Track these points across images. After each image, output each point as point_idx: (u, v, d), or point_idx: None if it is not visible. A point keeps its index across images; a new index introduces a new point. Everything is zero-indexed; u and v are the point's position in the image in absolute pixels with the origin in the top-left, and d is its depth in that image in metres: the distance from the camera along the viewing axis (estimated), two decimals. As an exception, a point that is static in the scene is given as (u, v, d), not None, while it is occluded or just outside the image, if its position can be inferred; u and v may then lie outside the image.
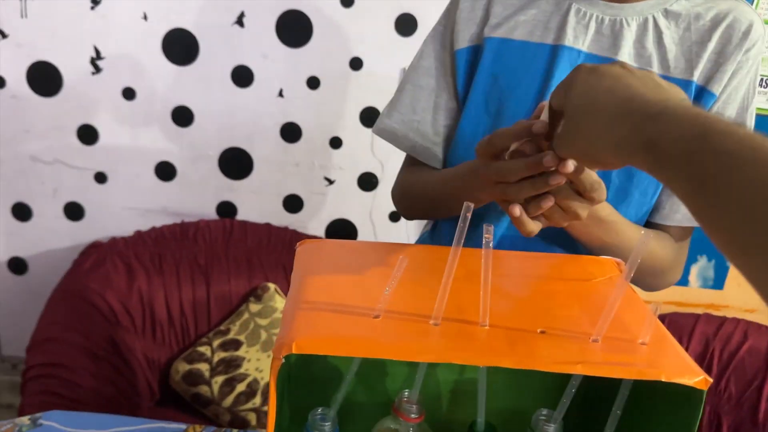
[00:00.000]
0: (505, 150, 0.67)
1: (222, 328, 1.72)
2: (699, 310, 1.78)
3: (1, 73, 1.93)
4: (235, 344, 1.69)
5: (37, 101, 1.96)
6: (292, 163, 2.04)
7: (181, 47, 1.92)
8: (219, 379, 1.63)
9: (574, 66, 0.81)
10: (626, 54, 0.82)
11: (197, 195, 2.06)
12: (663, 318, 1.71)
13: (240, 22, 1.91)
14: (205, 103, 1.99)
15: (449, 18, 0.91)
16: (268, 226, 1.99)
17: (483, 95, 0.86)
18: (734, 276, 1.82)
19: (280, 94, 1.98)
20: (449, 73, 0.90)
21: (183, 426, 0.97)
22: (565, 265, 0.76)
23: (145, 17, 1.89)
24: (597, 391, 0.71)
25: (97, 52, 1.92)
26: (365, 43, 1.93)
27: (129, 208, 2.06)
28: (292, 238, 1.95)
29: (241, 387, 1.63)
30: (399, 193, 0.99)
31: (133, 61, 1.94)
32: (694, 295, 1.84)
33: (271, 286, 1.79)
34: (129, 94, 1.96)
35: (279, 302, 1.77)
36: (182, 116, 1.99)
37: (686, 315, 1.71)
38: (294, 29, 1.92)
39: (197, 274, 1.78)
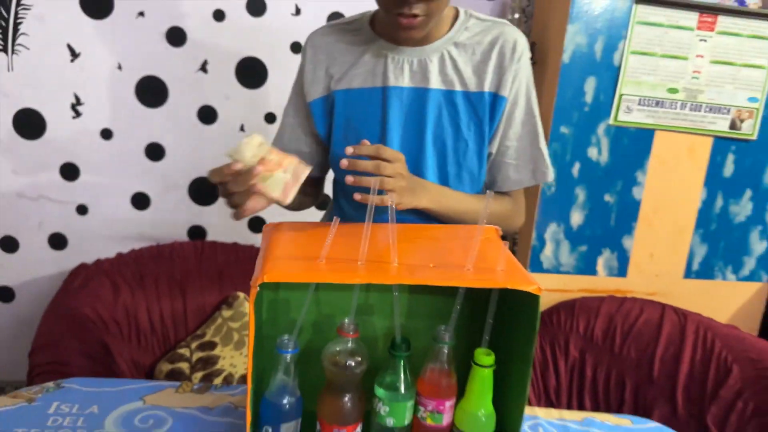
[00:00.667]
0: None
1: (198, 332, 1.97)
2: (607, 295, 2.10)
3: (-10, 120, 2.17)
4: (211, 345, 1.93)
5: (22, 144, 2.19)
6: (254, 189, 2.32)
7: (152, 92, 2.20)
8: (198, 375, 1.86)
9: (400, 99, 1.12)
10: (435, 81, 1.12)
11: (170, 221, 2.31)
12: (574, 301, 2.02)
13: (204, 68, 2.20)
14: (175, 139, 2.26)
15: (299, 78, 1.21)
16: (235, 245, 2.25)
17: (342, 132, 1.16)
18: (635, 264, 2.15)
19: (241, 129, 2.27)
20: (305, 116, 1.21)
21: (177, 383, 1.22)
22: (457, 230, 1.06)
23: (120, 67, 2.17)
24: (478, 312, 0.99)
25: (77, 98, 2.18)
26: (314, 82, 2.24)
27: (109, 236, 2.29)
28: (257, 254, 2.20)
29: (217, 381, 1.87)
30: None
31: (109, 106, 2.20)
32: (602, 283, 2.16)
33: (241, 294, 2.04)
34: (106, 134, 2.22)
35: (248, 308, 2.02)
36: (155, 152, 2.26)
37: (593, 298, 2.03)
38: (251, 73, 2.22)
39: (174, 288, 2.02)
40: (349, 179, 0.98)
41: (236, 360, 1.91)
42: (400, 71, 1.13)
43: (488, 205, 0.90)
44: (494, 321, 0.94)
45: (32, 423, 1.07)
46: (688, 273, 2.18)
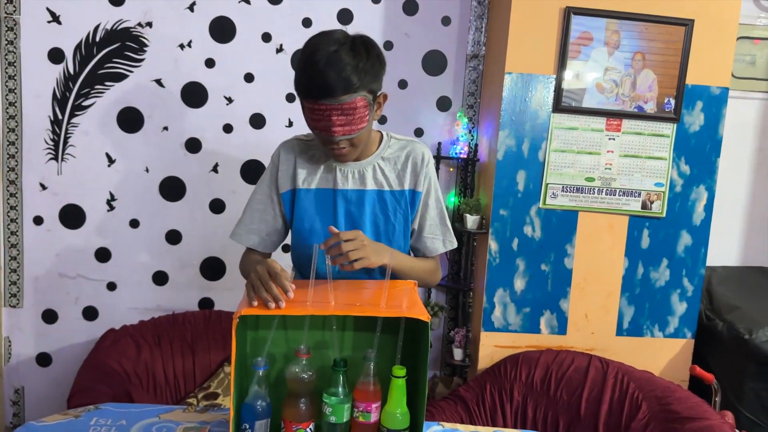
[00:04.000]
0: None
1: (205, 385, 2.36)
2: (550, 350, 2.47)
3: (41, 213, 2.67)
4: (215, 395, 2.32)
5: (65, 232, 2.69)
6: (254, 266, 2.77)
7: (173, 189, 2.71)
8: (203, 420, 2.24)
9: (345, 198, 1.56)
10: (370, 185, 1.56)
11: (184, 294, 2.76)
12: (519, 354, 2.41)
13: (215, 169, 2.72)
14: (190, 227, 2.74)
15: (273, 173, 1.60)
16: (237, 313, 2.67)
17: (301, 218, 1.58)
18: (573, 323, 2.53)
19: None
20: (277, 202, 1.61)
21: (185, 406, 1.62)
22: (380, 283, 1.50)
23: (147, 170, 2.69)
24: (394, 340, 1.40)
25: (112, 195, 2.69)
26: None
27: (132, 308, 2.73)
28: (255, 321, 2.63)
29: (219, 424, 2.24)
30: (240, 270, 1.69)
31: (138, 201, 2.71)
32: (546, 341, 2.54)
33: (240, 354, 2.45)
34: (134, 223, 2.71)
35: (246, 365, 2.42)
36: (173, 237, 2.74)
37: (534, 351, 2.42)
38: (253, 172, 2.73)
39: (186, 348, 2.44)
40: (328, 262, 1.38)
41: (235, 407, 2.29)
42: (345, 179, 1.58)
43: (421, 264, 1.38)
44: (404, 345, 1.36)
45: (78, 430, 1.47)
46: (620, 331, 2.56)
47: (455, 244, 1.66)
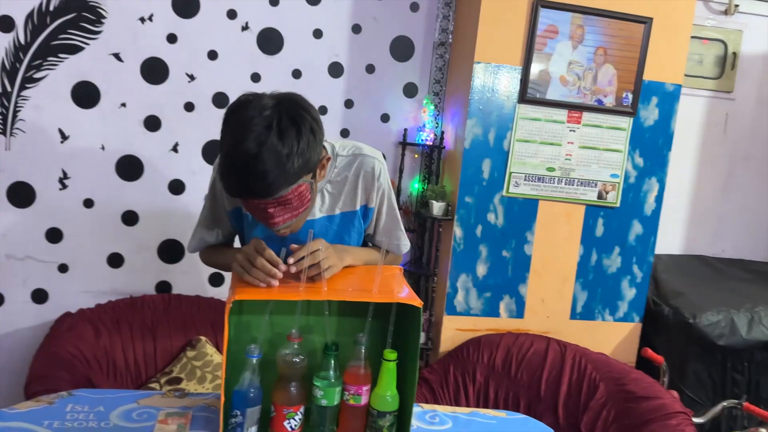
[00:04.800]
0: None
1: (167, 370, 2.31)
2: (509, 334, 2.56)
3: (-14, 191, 2.52)
4: (178, 380, 2.28)
5: (13, 211, 2.55)
6: (215, 249, 2.72)
7: (130, 168, 2.61)
8: (167, 405, 2.20)
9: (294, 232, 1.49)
10: (318, 213, 1.50)
11: (140, 277, 2.68)
12: (480, 338, 2.48)
13: (175, 149, 2.64)
14: (148, 207, 2.66)
15: (217, 196, 1.53)
16: (197, 297, 2.62)
17: (251, 227, 1.53)
18: (530, 307, 2.63)
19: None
20: (224, 216, 1.56)
21: (162, 392, 1.59)
22: (370, 269, 1.51)
23: (103, 147, 2.58)
24: (385, 325, 1.43)
25: (65, 173, 2.57)
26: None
27: (86, 291, 2.63)
28: (216, 305, 2.59)
29: (183, 409, 2.21)
30: (203, 260, 1.67)
31: (92, 179, 2.59)
32: (504, 324, 2.63)
33: (203, 338, 2.41)
34: (88, 203, 2.60)
35: (209, 349, 2.39)
36: (130, 218, 2.65)
37: (495, 334, 2.50)
38: (215, 153, 2.67)
39: (146, 332, 2.38)
40: (293, 269, 1.33)
41: (199, 391, 2.26)
42: None
43: (381, 257, 1.37)
44: (395, 329, 1.38)
45: (54, 417, 1.42)
46: (574, 315, 2.67)
47: (408, 247, 1.65)
